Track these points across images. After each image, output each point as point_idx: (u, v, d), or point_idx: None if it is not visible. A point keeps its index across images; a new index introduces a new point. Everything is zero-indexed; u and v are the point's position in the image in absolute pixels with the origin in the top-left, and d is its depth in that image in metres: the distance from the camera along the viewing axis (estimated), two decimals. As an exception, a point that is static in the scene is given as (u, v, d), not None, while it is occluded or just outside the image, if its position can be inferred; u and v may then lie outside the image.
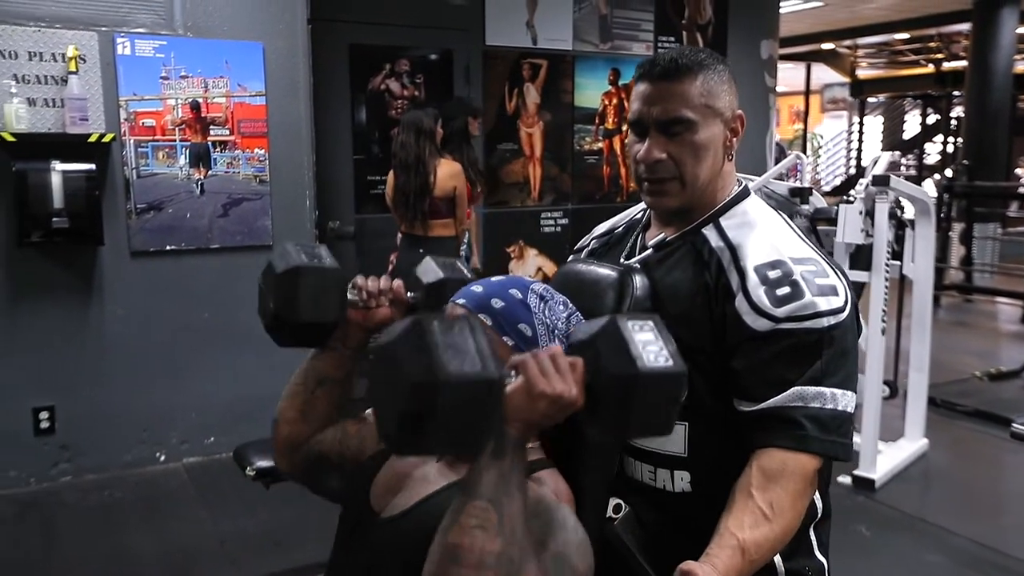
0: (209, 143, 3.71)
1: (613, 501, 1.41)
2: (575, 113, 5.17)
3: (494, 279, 1.33)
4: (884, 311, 3.59)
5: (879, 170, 3.56)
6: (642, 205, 1.48)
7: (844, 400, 1.23)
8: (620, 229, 1.54)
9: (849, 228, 3.46)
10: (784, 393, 1.20)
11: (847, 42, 11.83)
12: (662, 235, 1.41)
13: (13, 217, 3.34)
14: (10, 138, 3.26)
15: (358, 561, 1.24)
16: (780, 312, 1.22)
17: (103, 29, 3.48)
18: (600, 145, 5.29)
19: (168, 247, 3.68)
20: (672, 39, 5.42)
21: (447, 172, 4.01)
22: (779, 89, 15.59)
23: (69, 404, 3.59)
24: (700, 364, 1.30)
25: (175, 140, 3.65)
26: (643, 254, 1.42)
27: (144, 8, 3.55)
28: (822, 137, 16.93)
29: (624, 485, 1.44)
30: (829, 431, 1.20)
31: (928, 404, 4.18)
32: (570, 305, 1.31)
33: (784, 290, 1.23)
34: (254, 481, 2.55)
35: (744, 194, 1.39)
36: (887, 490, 3.64)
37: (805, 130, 14.11)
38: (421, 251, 3.96)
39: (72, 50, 3.37)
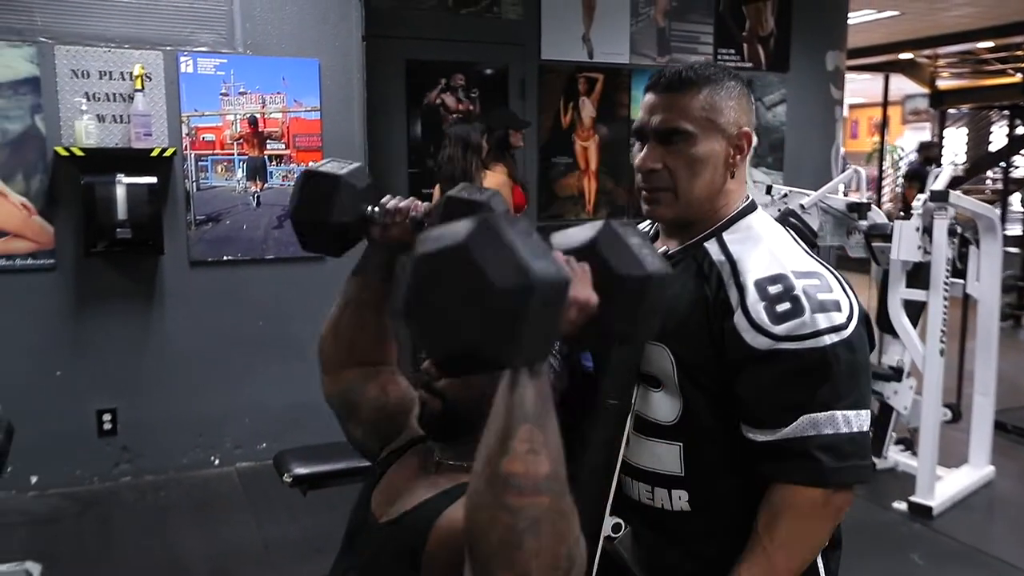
0: (265, 157, 3.84)
1: (612, 520, 1.40)
2: (631, 127, 5.12)
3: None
4: (943, 331, 3.45)
5: (939, 185, 3.43)
6: None
7: (858, 421, 1.20)
8: None
9: (905, 245, 3.35)
10: (795, 422, 1.18)
11: (926, 52, 11.42)
12: (664, 248, 1.40)
13: (81, 228, 3.51)
14: (80, 153, 3.43)
15: (356, 563, 1.29)
16: (779, 330, 1.19)
17: (168, 48, 3.63)
18: (656, 158, 5.23)
19: (225, 257, 3.81)
20: (732, 52, 5.35)
21: (492, 183, 4.05)
22: (857, 101, 15.15)
23: (130, 407, 3.75)
24: (698, 380, 1.29)
25: (233, 154, 3.79)
26: None
27: (207, 28, 3.70)
28: (902, 149, 16.38)
29: (623, 505, 1.42)
30: (846, 456, 1.18)
31: (997, 430, 4.00)
32: None
33: (784, 306, 1.21)
34: (291, 488, 2.61)
35: (749, 209, 1.37)
36: (946, 518, 3.49)
37: (882, 142, 13.66)
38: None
39: (139, 69, 3.53)
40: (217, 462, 3.92)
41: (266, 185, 3.85)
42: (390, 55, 4.48)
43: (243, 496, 3.67)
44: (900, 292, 3.56)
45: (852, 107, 15.51)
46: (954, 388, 4.17)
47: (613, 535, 1.40)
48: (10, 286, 3.50)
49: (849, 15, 6.13)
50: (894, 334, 3.70)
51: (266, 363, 3.92)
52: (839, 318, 1.20)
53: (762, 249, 1.29)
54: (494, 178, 4.09)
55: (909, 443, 4.00)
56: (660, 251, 1.41)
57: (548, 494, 0.90)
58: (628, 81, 5.09)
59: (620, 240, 1.03)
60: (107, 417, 3.72)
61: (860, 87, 13.99)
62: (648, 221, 1.49)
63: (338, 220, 1.38)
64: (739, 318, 1.22)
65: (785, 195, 3.96)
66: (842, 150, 6.02)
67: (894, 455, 3.99)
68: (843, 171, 6.00)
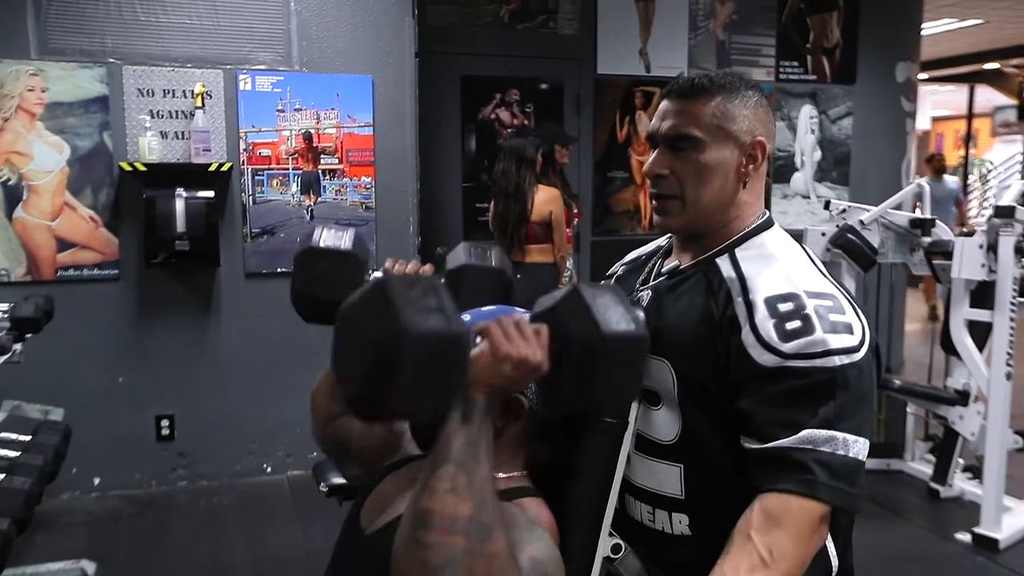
0: (319, 171, 3.93)
1: (612, 541, 1.37)
2: (688, 141, 5.06)
3: (484, 308, 1.34)
4: (1010, 353, 3.27)
5: (1006, 200, 3.27)
6: None
7: (856, 447, 1.14)
8: (645, 256, 1.51)
9: (967, 263, 3.21)
10: (794, 436, 1.13)
11: (1014, 61, 10.94)
12: (676, 262, 1.37)
13: (143, 240, 3.65)
14: (142, 168, 3.58)
15: (341, 573, 1.30)
16: (787, 347, 1.15)
17: (228, 67, 3.76)
18: (715, 173, 5.16)
19: (279, 269, 3.91)
20: (795, 64, 5.23)
21: (544, 197, 4.06)
22: (942, 113, 14.56)
23: (187, 414, 3.87)
24: (702, 400, 1.25)
25: (288, 169, 3.89)
26: (656, 280, 1.39)
27: (265, 47, 3.82)
28: (991, 163, 15.68)
29: (625, 525, 1.39)
30: (839, 478, 1.12)
31: (1076, 460, 3.77)
32: None
33: (794, 324, 1.16)
34: (327, 497, 2.65)
35: (765, 225, 1.33)
36: (1014, 552, 3.30)
37: (967, 156, 13.12)
38: (518, 276, 3.99)
39: (199, 87, 3.66)
40: (269, 470, 4.00)
41: (319, 199, 3.94)
42: (446, 71, 4.54)
43: (291, 504, 3.74)
44: (963, 312, 3.41)
45: (936, 120, 14.94)
46: (1026, 415, 3.96)
47: (613, 556, 1.37)
48: (77, 295, 3.66)
49: (926, 25, 5.92)
50: (959, 356, 3.54)
51: (316, 373, 3.97)
52: (851, 340, 1.16)
53: (775, 268, 1.25)
54: (546, 192, 4.09)
55: (977, 471, 3.81)
56: (670, 266, 1.39)
57: (464, 536, 0.93)
58: (686, 95, 5.01)
59: (582, 302, 1.05)
60: (165, 423, 3.85)
61: (945, 99, 13.49)
62: (666, 236, 1.47)
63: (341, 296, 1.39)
64: (747, 335, 1.18)
65: (844, 210, 3.85)
66: (912, 164, 5.80)
67: (960, 483, 3.80)
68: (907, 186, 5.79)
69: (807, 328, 1.15)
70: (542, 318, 1.09)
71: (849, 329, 1.17)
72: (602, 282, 1.34)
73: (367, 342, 0.92)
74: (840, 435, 1.13)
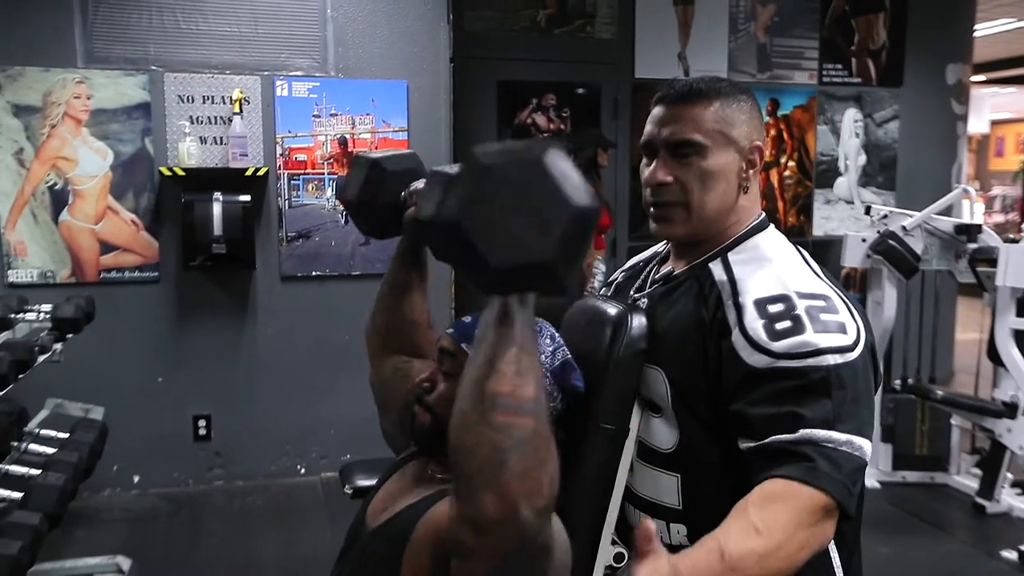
0: (354, 176, 3.95)
1: (615, 550, 1.35)
2: (728, 145, 5.00)
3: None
4: (1059, 365, 3.15)
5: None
6: None
7: (858, 447, 1.10)
8: (642, 262, 1.49)
9: (1012, 270, 3.10)
10: (793, 434, 1.10)
11: (1079, 62, 10.56)
12: (670, 268, 1.36)
13: (181, 243, 3.73)
14: (181, 172, 3.65)
15: (345, 569, 1.32)
16: (777, 347, 1.13)
17: (265, 73, 3.83)
18: (755, 178, 5.08)
19: (314, 272, 3.95)
20: (839, 66, 5.12)
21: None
22: (1002, 116, 14.10)
23: (224, 414, 3.93)
24: (696, 409, 1.23)
25: (323, 173, 3.93)
26: (651, 288, 1.37)
27: (303, 53, 3.87)
28: (1054, 168, 15.15)
29: (628, 533, 1.37)
30: (842, 473, 1.08)
31: None
32: (558, 339, 1.30)
33: (784, 324, 1.14)
34: (352, 499, 2.66)
35: (759, 228, 1.31)
36: (1063, 572, 3.17)
37: (1030, 160, 12.73)
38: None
39: (238, 93, 3.73)
40: (303, 471, 4.05)
41: (354, 203, 3.97)
42: (482, 76, 4.55)
43: (324, 505, 3.77)
44: (1009, 321, 3.29)
45: (996, 123, 14.48)
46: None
47: (615, 565, 1.35)
48: (119, 296, 3.75)
49: (982, 25, 5.75)
50: (1005, 366, 3.42)
51: (351, 376, 4.01)
52: (844, 340, 1.13)
53: (767, 269, 1.23)
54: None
55: (1025, 486, 3.68)
56: (663, 272, 1.37)
57: (534, 417, 0.89)
58: (726, 98, 4.95)
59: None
60: (202, 423, 3.92)
61: (1006, 101, 13.07)
62: (663, 242, 1.45)
63: (378, 202, 1.47)
64: (736, 337, 1.17)
65: (885, 216, 3.75)
66: (964, 169, 5.64)
67: (1007, 499, 3.67)
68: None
69: (797, 328, 1.13)
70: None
71: (842, 329, 1.14)
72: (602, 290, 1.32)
73: (560, 207, 0.82)
74: (840, 436, 1.10)
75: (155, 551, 3.35)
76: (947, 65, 5.37)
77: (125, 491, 3.88)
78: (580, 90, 4.78)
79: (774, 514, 1.07)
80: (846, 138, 5.21)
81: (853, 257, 3.79)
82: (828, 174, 5.22)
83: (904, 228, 3.68)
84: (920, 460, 3.97)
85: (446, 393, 1.28)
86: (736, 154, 1.26)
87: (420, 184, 1.45)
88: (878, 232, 3.73)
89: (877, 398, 3.81)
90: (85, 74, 3.66)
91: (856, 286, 4.96)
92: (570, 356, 1.29)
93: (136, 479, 3.89)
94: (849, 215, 5.20)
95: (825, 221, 5.20)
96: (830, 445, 1.09)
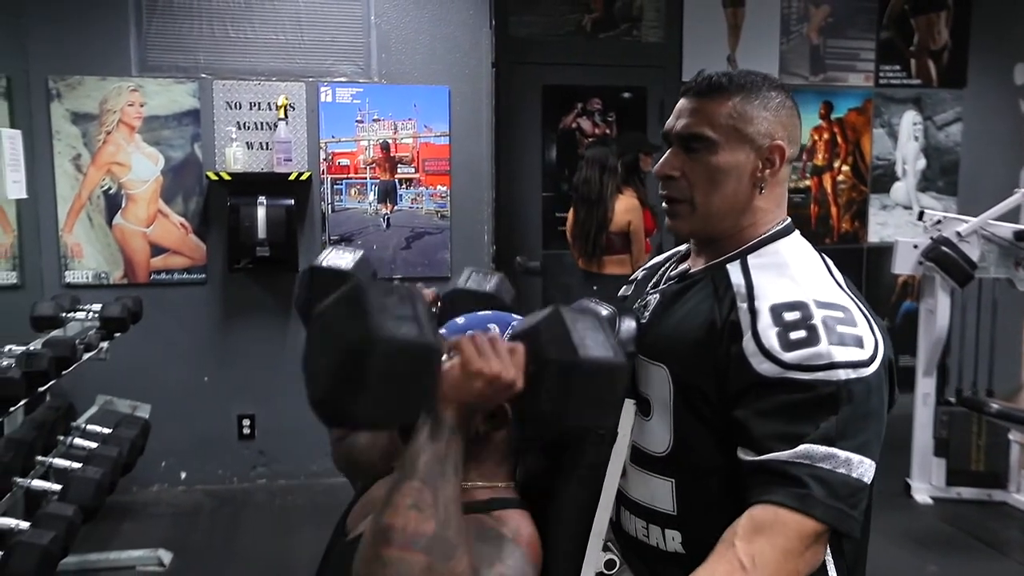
0: (396, 180, 4.01)
1: (607, 556, 1.32)
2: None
3: (481, 313, 1.33)
4: (1123, 379, 2.98)
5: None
6: None
7: (861, 468, 1.06)
8: (662, 260, 1.47)
9: (1070, 278, 2.94)
10: (791, 449, 1.06)
11: None
12: (687, 267, 1.33)
13: (227, 246, 3.82)
14: (227, 177, 3.75)
15: None
16: (789, 357, 1.08)
17: (310, 80, 3.90)
18: (807, 183, 4.95)
19: (356, 276, 3.99)
20: (898, 68, 4.96)
21: (623, 207, 4.00)
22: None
23: (267, 414, 4.01)
24: (699, 410, 1.20)
25: (366, 178, 3.99)
26: (665, 284, 1.34)
27: (347, 60, 3.93)
28: None
29: (622, 540, 1.35)
30: (837, 497, 1.05)
31: None
32: None
33: (799, 334, 1.09)
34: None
35: (784, 232, 1.26)
36: None
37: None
38: (595, 288, 3.96)
39: (283, 99, 3.81)
40: (343, 472, 4.09)
41: (396, 207, 4.02)
42: (527, 81, 4.56)
43: (361, 506, 3.80)
44: (1069, 332, 3.12)
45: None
46: None
47: (607, 572, 1.32)
48: (168, 297, 3.87)
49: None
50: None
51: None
52: (860, 355, 1.08)
53: (787, 276, 1.18)
54: (625, 201, 4.04)
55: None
56: (680, 270, 1.34)
57: (425, 553, 0.90)
58: (777, 101, 4.84)
59: (562, 325, 1.03)
60: (246, 422, 4.00)
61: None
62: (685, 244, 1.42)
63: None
64: (748, 342, 1.12)
65: (939, 222, 3.62)
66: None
67: (1070, 519, 3.49)
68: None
69: (812, 339, 1.08)
70: (520, 337, 1.07)
71: (859, 343, 1.09)
72: (587, 304, 1.29)
73: (338, 344, 0.91)
74: (842, 453, 1.05)
75: (196, 546, 3.43)
76: (1015, 65, 5.14)
77: (172, 487, 3.99)
78: (626, 94, 4.74)
79: (762, 547, 1.04)
80: (904, 141, 5.04)
81: (904, 264, 3.66)
82: (884, 179, 5.05)
83: (959, 234, 3.54)
84: (976, 476, 3.80)
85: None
86: (752, 152, 1.21)
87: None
88: (931, 238, 3.59)
89: (930, 411, 3.67)
90: (139, 82, 3.79)
91: (914, 294, 4.78)
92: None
93: (183, 475, 4.00)
94: (907, 221, 5.02)
95: (881, 227, 5.04)
96: (827, 466, 1.05)
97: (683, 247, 1.44)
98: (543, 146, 4.67)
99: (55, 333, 3.00)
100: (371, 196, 4.00)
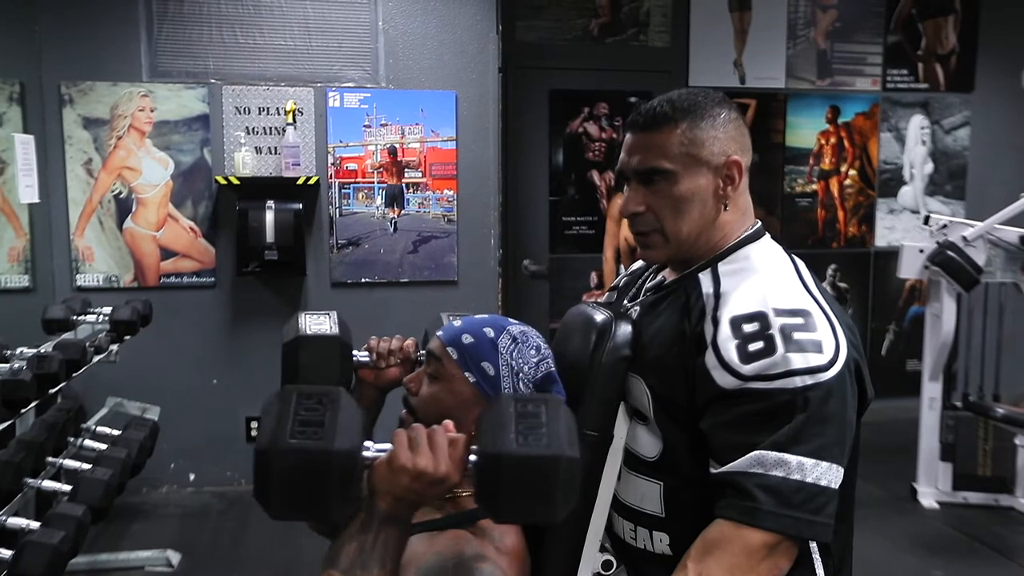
0: (403, 185, 4.03)
1: (603, 557, 1.35)
2: (786, 153, 4.90)
3: (477, 316, 1.36)
4: None
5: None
6: None
7: (816, 472, 1.08)
8: (641, 268, 1.49)
9: (1076, 283, 2.93)
10: (742, 458, 1.09)
11: None
12: (661, 277, 1.36)
13: (235, 249, 3.86)
14: (236, 181, 3.78)
15: None
16: (747, 369, 1.11)
17: (318, 85, 3.93)
18: (814, 187, 4.95)
19: (363, 279, 4.03)
20: (905, 72, 4.96)
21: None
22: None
23: (275, 416, 4.03)
24: (675, 417, 1.22)
25: (373, 182, 4.02)
26: (643, 296, 1.37)
27: (354, 65, 3.96)
28: None
29: (613, 543, 1.37)
30: (790, 505, 1.07)
31: None
32: (543, 351, 1.31)
33: (756, 345, 1.12)
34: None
35: (753, 237, 1.29)
36: None
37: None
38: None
39: (291, 104, 3.84)
40: (351, 474, 4.11)
41: (403, 211, 4.05)
42: (534, 85, 4.58)
43: (368, 508, 3.83)
44: (1075, 337, 3.12)
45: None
46: None
47: (603, 573, 1.34)
48: (177, 301, 3.90)
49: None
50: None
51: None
52: (817, 360, 1.10)
53: (751, 283, 1.20)
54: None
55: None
56: (655, 281, 1.37)
57: None
58: (784, 106, 4.86)
59: (501, 415, 1.01)
60: (255, 424, 4.03)
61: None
62: None
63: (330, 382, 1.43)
64: (709, 355, 1.15)
65: (944, 226, 3.62)
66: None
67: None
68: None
69: (769, 349, 1.11)
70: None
71: (818, 347, 1.11)
72: (585, 308, 1.31)
73: (255, 446, 0.99)
74: (793, 459, 1.07)
75: (203, 547, 3.46)
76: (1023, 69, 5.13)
77: (181, 488, 4.02)
78: (633, 98, 4.76)
79: (710, 567, 1.08)
80: (912, 146, 5.04)
81: (909, 268, 3.66)
82: (892, 183, 5.05)
83: (965, 239, 3.53)
84: (983, 481, 3.80)
85: (429, 396, 1.30)
86: (710, 173, 1.23)
87: (384, 344, 1.50)
88: (937, 243, 3.59)
89: (936, 415, 3.65)
90: (149, 87, 3.83)
91: (922, 299, 4.78)
92: (553, 369, 1.30)
93: (192, 477, 4.03)
94: (914, 225, 5.01)
95: (888, 231, 5.04)
96: (779, 473, 1.07)
97: None
98: (550, 150, 4.69)
99: (66, 336, 3.04)
100: (378, 200, 4.03)
